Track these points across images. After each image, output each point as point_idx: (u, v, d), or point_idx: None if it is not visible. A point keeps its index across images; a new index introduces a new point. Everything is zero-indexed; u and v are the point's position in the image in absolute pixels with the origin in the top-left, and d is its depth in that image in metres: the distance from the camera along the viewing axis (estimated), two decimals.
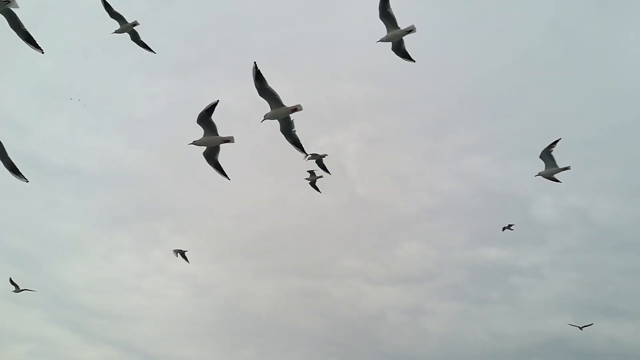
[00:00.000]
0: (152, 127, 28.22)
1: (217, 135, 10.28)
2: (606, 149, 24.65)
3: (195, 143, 10.39)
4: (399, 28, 11.40)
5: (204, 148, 10.43)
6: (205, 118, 10.09)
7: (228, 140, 10.45)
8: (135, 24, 12.45)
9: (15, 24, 9.96)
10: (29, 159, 25.51)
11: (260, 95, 9.84)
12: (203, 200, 27.70)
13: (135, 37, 12.67)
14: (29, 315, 25.28)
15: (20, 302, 25.01)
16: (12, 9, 9.79)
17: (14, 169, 10.22)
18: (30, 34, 9.98)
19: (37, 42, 10.09)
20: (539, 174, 12.52)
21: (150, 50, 12.84)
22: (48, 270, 26.29)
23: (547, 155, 12.32)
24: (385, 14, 11.29)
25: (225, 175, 10.58)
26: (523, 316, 24.85)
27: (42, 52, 10.19)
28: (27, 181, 10.35)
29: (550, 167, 12.38)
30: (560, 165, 12.39)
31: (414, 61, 11.70)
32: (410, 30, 11.46)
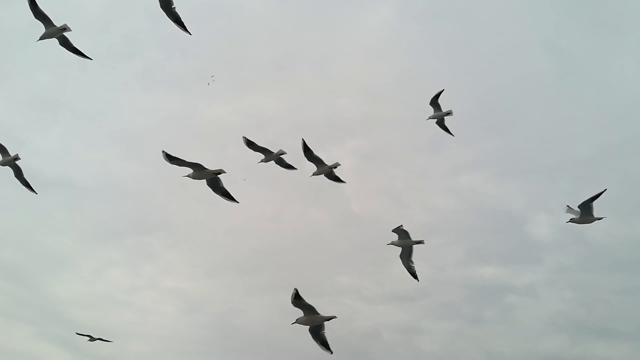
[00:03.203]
0: (147, 141, 28.06)
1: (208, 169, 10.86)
2: (601, 168, 24.70)
3: (190, 176, 10.82)
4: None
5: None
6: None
7: (219, 172, 10.87)
8: (65, 28, 11.48)
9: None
10: (22, 171, 25.29)
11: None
12: (197, 215, 27.47)
13: (65, 43, 11.71)
14: (18, 330, 24.90)
15: (9, 317, 24.66)
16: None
17: None
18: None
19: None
20: (571, 221, 11.84)
21: (86, 56, 11.89)
22: (39, 284, 25.97)
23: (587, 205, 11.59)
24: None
25: (234, 200, 11.13)
26: (518, 336, 24.62)
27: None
28: None
29: (586, 216, 11.72)
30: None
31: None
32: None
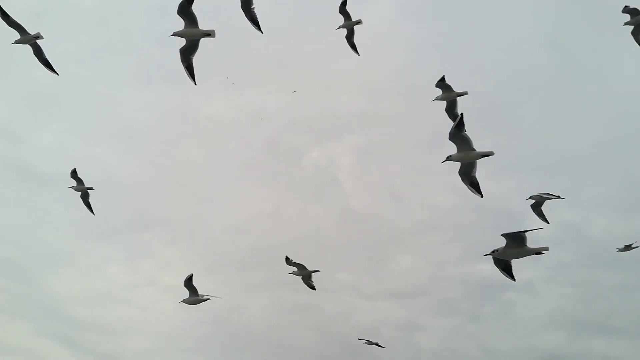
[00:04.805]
0: (146, 138, 28.05)
1: (198, 28, 10.31)
2: (600, 164, 24.67)
3: (175, 34, 10.32)
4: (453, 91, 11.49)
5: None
6: (186, 9, 10.06)
7: (209, 34, 10.50)
8: (37, 36, 11.46)
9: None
10: (21, 167, 25.28)
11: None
12: (195, 212, 27.47)
13: (38, 53, 11.69)
14: (17, 326, 24.91)
15: (8, 313, 24.67)
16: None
17: None
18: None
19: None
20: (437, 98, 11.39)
21: (53, 71, 11.91)
22: (37, 280, 25.98)
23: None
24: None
25: (194, 78, 10.66)
26: (517, 333, 24.68)
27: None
28: None
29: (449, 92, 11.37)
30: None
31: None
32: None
